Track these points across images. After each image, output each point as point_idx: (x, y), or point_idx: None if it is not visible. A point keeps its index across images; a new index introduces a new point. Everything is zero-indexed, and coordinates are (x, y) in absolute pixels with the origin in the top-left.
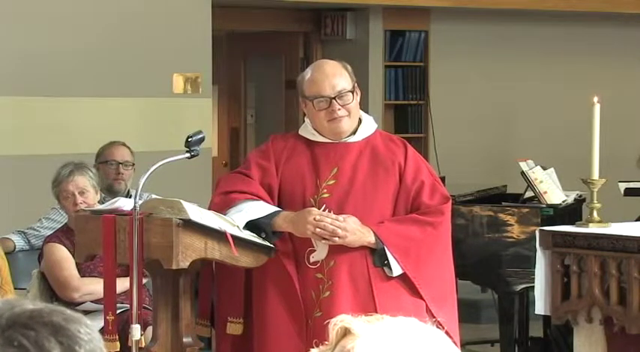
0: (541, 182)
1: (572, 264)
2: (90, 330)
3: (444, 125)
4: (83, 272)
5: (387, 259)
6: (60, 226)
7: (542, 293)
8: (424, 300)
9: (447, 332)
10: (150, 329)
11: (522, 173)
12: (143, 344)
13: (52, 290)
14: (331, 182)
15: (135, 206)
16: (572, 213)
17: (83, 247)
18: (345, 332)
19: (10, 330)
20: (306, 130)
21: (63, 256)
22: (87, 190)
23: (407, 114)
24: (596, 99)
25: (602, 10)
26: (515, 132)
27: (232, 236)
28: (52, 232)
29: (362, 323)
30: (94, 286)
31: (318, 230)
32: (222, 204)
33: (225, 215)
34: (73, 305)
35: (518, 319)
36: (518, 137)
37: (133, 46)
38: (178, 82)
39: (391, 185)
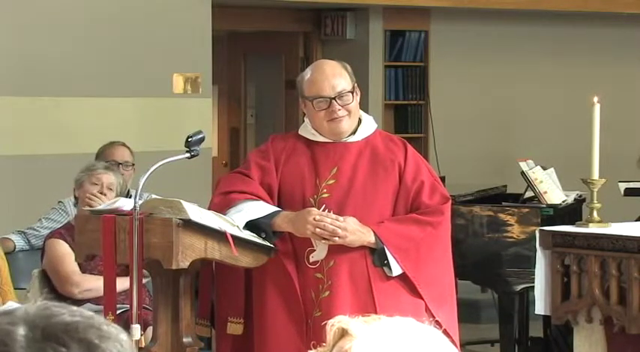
0: (541, 182)
1: (572, 264)
2: (123, 348)
3: (444, 125)
4: (83, 270)
5: (387, 259)
6: (60, 226)
7: (542, 293)
8: (424, 300)
9: (445, 332)
10: (150, 329)
11: (522, 173)
12: (143, 344)
13: (53, 289)
14: (331, 182)
15: (135, 206)
16: (572, 213)
17: (83, 247)
18: (343, 333)
19: (43, 343)
20: (306, 130)
21: (65, 251)
22: (112, 190)
23: (407, 114)
24: (596, 99)
25: (602, 10)
26: (516, 132)
27: (232, 236)
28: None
29: (359, 324)
30: (95, 283)
31: (317, 230)
32: (222, 204)
33: (225, 215)
34: (76, 304)
35: (518, 319)
36: (518, 137)
37: (133, 46)
38: (178, 82)
39: (391, 185)
